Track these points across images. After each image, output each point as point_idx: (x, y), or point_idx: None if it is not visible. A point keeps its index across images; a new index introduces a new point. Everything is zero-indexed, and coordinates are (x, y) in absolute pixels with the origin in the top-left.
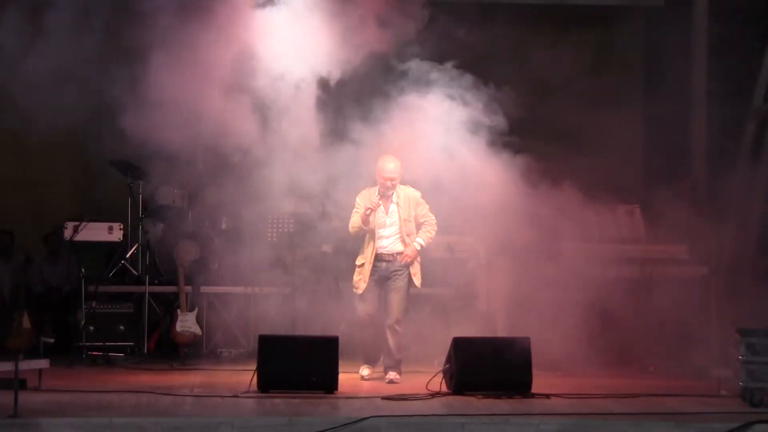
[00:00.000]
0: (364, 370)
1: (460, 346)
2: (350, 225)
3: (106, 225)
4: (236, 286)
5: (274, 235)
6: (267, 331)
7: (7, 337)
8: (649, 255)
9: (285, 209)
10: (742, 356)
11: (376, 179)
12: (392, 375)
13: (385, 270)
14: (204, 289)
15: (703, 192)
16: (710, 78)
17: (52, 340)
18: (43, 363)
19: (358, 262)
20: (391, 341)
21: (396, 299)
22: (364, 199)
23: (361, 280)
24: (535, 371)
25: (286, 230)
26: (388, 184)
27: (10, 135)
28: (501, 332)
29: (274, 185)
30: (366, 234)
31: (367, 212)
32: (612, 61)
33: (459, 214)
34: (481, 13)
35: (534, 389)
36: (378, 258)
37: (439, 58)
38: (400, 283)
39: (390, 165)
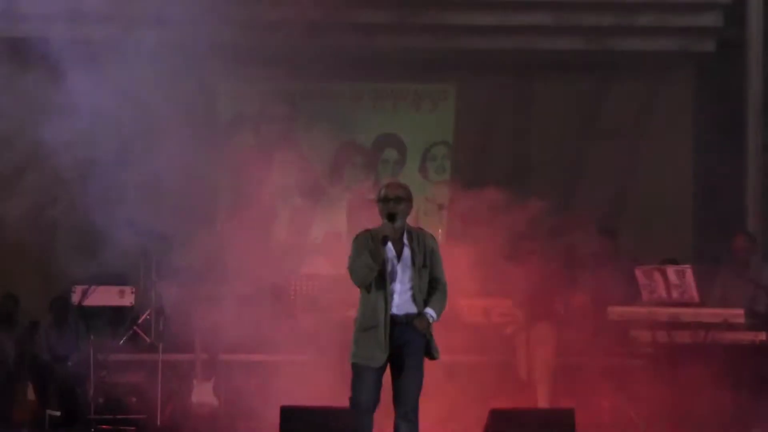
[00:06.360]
0: None
1: (499, 419)
2: (354, 269)
3: (116, 289)
4: (257, 353)
5: (297, 297)
6: (289, 402)
7: (10, 409)
8: (702, 318)
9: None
10: None
11: (379, 209)
12: None
13: (399, 338)
14: (222, 356)
15: (759, 250)
16: (765, 127)
17: (58, 413)
18: None
19: (364, 325)
20: None
21: (416, 379)
22: (362, 241)
23: (376, 348)
24: None
25: (308, 293)
26: (392, 207)
27: None
28: (542, 403)
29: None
30: (370, 285)
31: (383, 240)
32: (661, 109)
33: (496, 276)
34: (525, 59)
35: None
36: (392, 321)
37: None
38: (418, 357)
39: (394, 183)
